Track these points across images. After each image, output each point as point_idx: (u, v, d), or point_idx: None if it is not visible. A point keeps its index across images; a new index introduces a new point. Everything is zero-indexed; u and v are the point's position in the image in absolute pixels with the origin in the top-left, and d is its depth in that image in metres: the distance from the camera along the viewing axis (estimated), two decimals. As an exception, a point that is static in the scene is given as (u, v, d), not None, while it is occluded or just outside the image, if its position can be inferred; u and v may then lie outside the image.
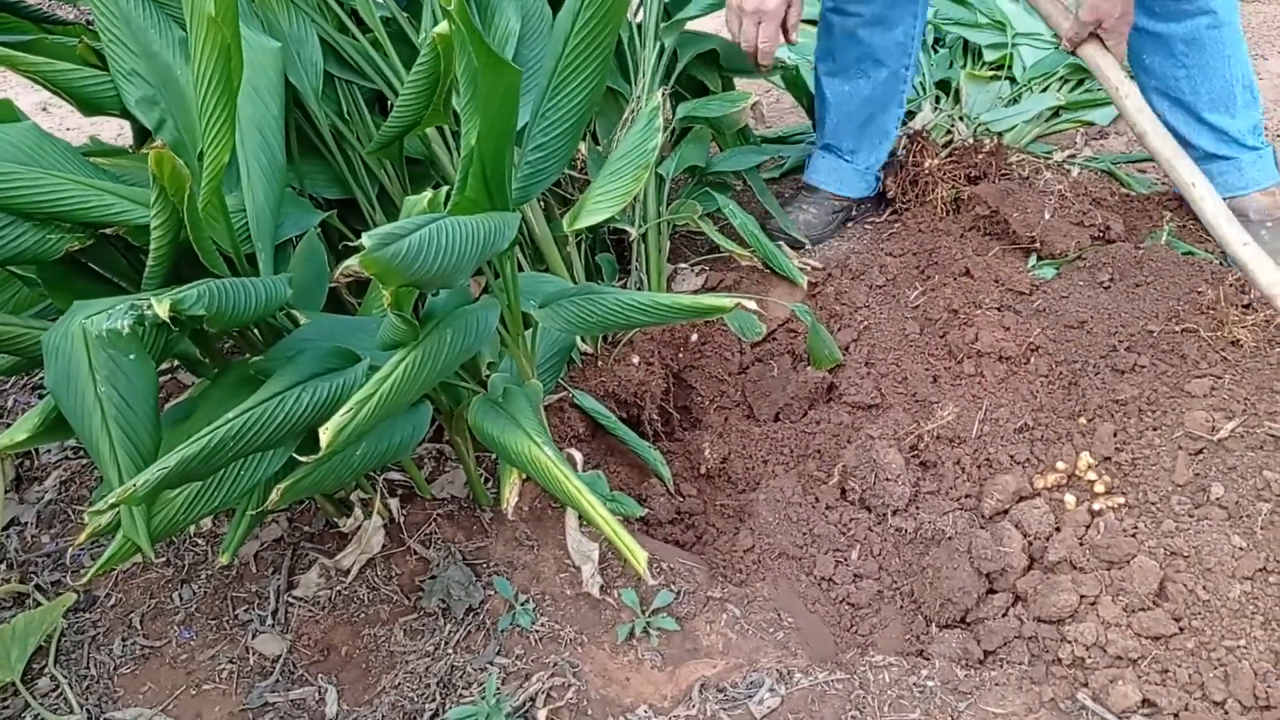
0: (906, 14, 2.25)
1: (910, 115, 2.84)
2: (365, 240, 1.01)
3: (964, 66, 3.03)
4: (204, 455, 1.10)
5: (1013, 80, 2.97)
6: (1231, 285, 1.95)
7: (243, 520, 1.42)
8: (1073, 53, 1.97)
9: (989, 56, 3.02)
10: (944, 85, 2.97)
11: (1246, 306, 1.92)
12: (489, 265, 1.49)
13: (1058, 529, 1.69)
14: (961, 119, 2.73)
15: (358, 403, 1.18)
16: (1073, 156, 2.56)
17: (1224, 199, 2.09)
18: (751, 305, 1.40)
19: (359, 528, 1.78)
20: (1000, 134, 2.67)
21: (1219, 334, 1.86)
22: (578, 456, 1.77)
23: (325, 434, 1.10)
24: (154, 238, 1.20)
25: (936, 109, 2.84)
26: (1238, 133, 2.12)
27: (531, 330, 1.69)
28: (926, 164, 2.38)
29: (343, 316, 1.51)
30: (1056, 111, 2.80)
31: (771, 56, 2.08)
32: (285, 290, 1.30)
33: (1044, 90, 2.89)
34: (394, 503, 1.83)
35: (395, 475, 1.88)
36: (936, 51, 3.18)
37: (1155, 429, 1.78)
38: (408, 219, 1.09)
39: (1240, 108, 2.11)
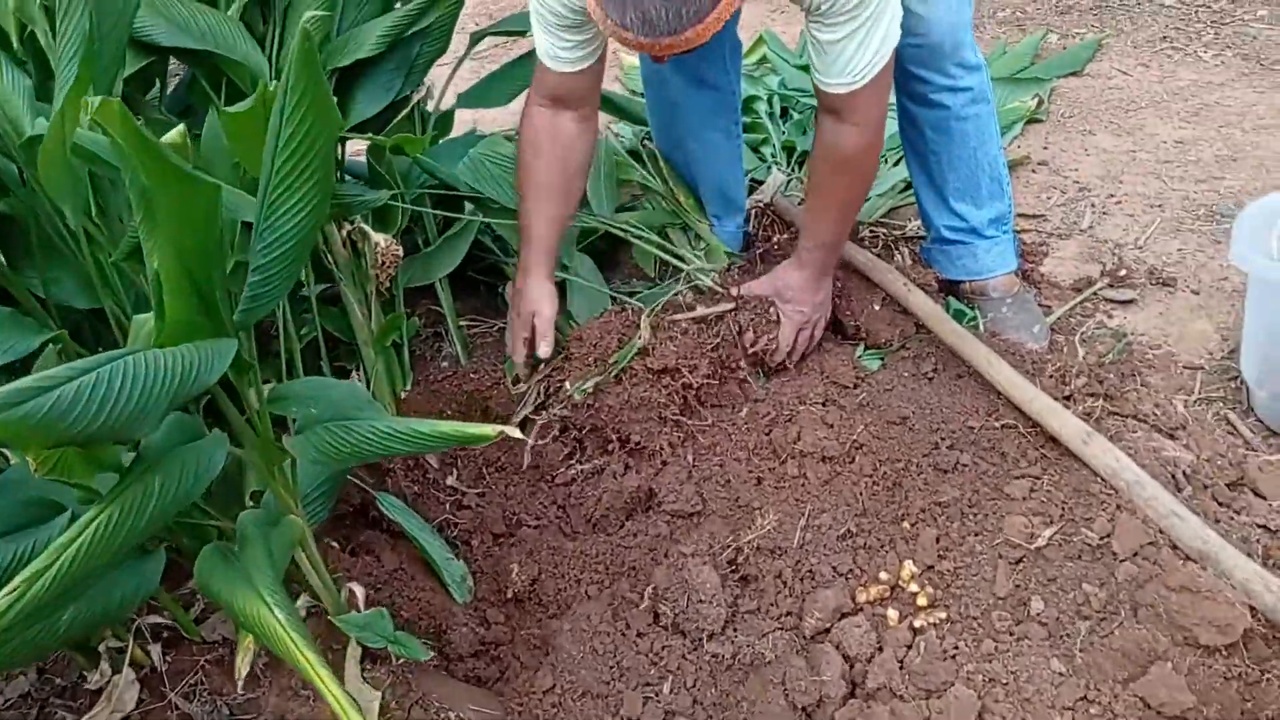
0: (718, 68, 2.21)
1: (758, 182, 2.77)
2: (-17, 407, 0.84)
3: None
4: None
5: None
6: (1052, 376, 1.89)
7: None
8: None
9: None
10: (791, 151, 2.91)
11: (1067, 398, 1.87)
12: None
13: (879, 649, 1.58)
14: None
15: (25, 580, 1.00)
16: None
17: (963, 281, 2.20)
18: (516, 434, 1.27)
19: (108, 683, 1.57)
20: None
21: (1037, 429, 1.80)
22: (359, 592, 1.60)
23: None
24: None
25: (789, 174, 2.77)
26: (979, 222, 2.17)
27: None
28: (775, 239, 2.31)
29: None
30: (909, 184, 2.75)
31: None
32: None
33: (897, 163, 2.85)
34: (155, 649, 1.62)
35: (158, 618, 1.67)
36: (786, 121, 3.13)
37: (976, 534, 1.69)
38: (52, 370, 0.92)
39: (985, 199, 2.16)
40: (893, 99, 2.77)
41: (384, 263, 1.94)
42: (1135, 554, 1.52)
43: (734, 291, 2.03)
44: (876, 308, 2.12)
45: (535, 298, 1.98)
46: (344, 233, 1.98)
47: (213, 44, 1.82)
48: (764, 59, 3.53)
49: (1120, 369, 2.02)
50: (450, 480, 2.06)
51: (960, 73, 2.03)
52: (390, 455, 1.44)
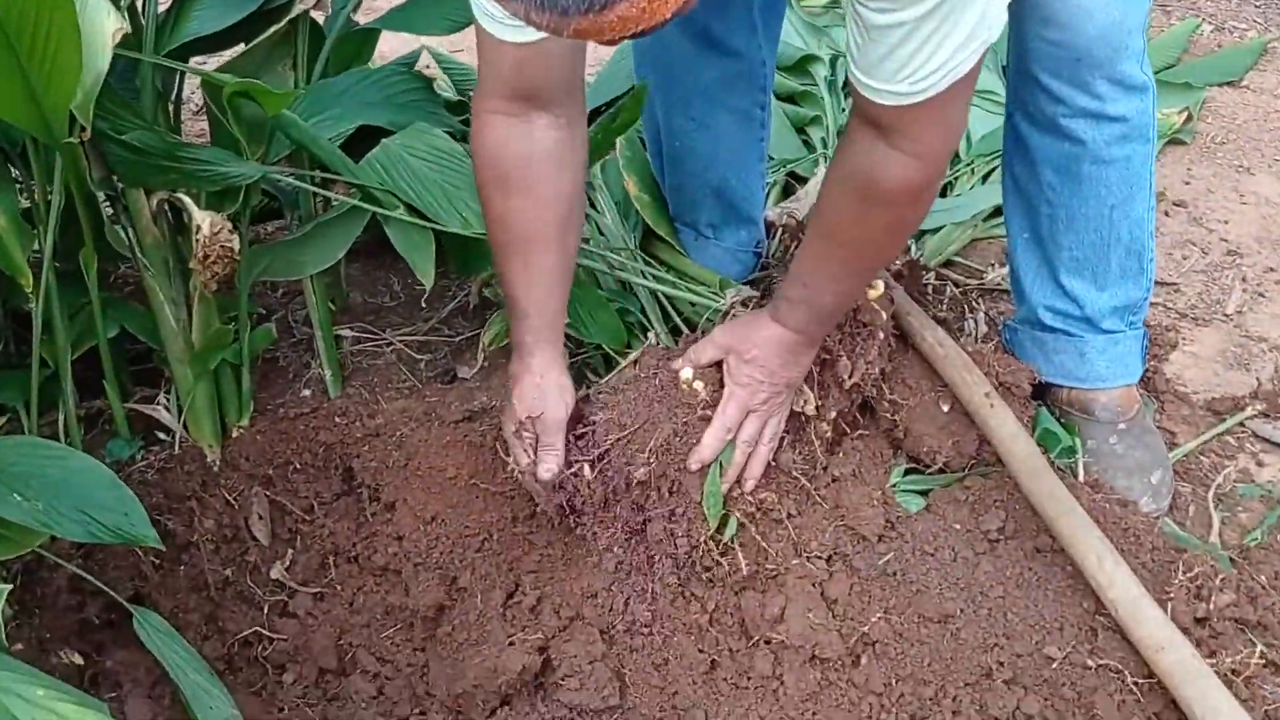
0: (738, 26, 1.50)
1: (798, 180, 2.08)
2: None
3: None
4: None
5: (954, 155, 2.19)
6: (1184, 586, 1.23)
7: None
8: None
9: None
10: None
11: (1201, 622, 1.21)
12: None
13: None
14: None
15: None
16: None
17: (1060, 386, 1.52)
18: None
19: None
20: (920, 236, 1.91)
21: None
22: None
23: None
24: None
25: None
26: (1096, 310, 1.48)
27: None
28: None
29: None
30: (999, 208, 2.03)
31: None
32: None
33: (989, 174, 2.12)
34: None
35: None
36: (849, 96, 2.39)
37: None
38: None
39: (1114, 278, 1.47)
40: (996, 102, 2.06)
41: (207, 257, 1.28)
42: None
43: (674, 366, 1.33)
44: (945, 409, 1.44)
45: (534, 396, 1.29)
46: (154, 202, 1.32)
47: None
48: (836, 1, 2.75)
49: (1273, 564, 1.36)
50: (278, 570, 1.43)
51: (1115, 94, 1.32)
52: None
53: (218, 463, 1.46)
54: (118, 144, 1.23)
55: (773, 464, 1.33)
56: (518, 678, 1.22)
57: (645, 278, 1.57)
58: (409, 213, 1.42)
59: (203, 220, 1.27)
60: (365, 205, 1.41)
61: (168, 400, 1.45)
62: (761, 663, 1.24)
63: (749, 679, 1.25)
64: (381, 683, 1.31)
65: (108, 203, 1.36)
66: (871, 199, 1.14)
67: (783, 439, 1.34)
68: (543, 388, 1.29)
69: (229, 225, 1.29)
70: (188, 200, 1.29)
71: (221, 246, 1.28)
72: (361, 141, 1.48)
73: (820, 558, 1.31)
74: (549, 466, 1.27)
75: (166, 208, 1.33)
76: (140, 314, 1.42)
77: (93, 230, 1.28)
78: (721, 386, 1.31)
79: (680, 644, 1.27)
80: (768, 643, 1.25)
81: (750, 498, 1.31)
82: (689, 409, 1.30)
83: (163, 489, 1.41)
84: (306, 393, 1.58)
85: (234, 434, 1.48)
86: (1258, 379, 1.69)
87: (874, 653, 1.24)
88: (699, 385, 1.31)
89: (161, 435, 1.46)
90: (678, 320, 1.53)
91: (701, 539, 1.27)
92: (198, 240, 1.27)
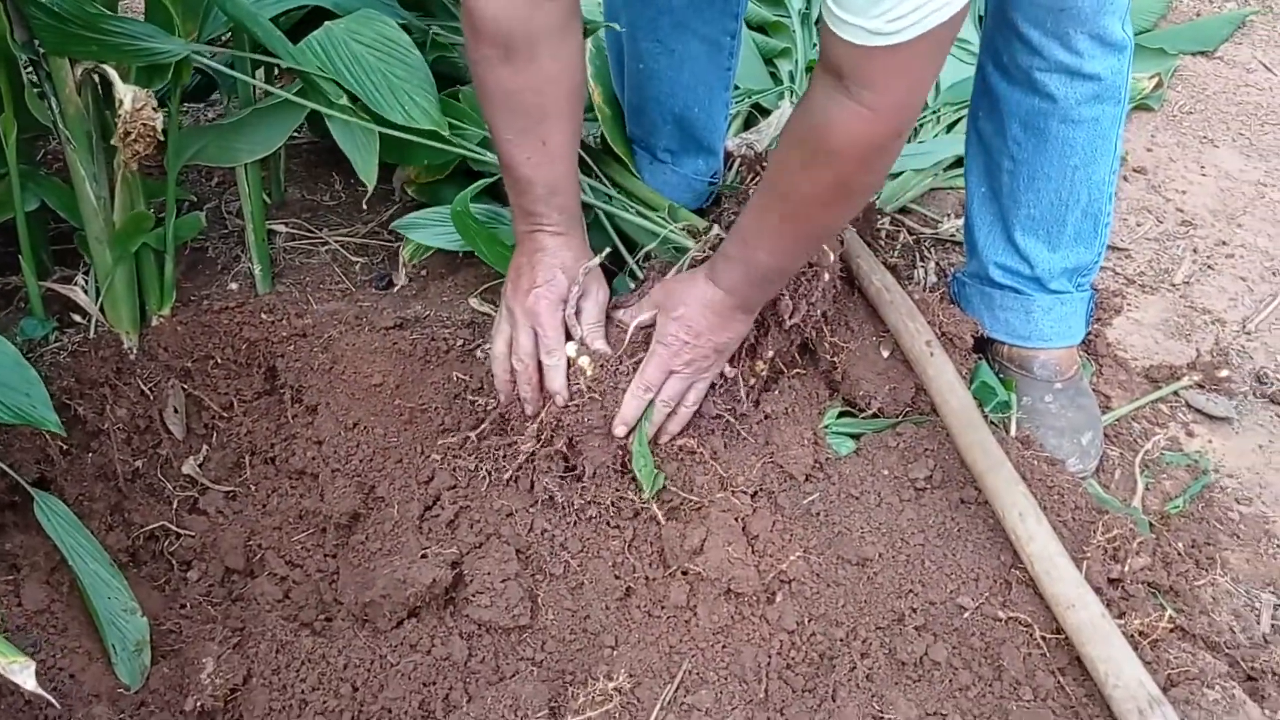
0: None
1: (762, 112, 2.04)
2: None
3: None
4: None
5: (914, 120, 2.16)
6: (1102, 548, 1.23)
7: None
8: None
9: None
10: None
11: (1113, 582, 1.22)
12: None
13: None
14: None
15: None
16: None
17: (1002, 342, 1.51)
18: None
19: None
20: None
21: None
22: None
23: None
24: None
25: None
26: (1046, 270, 1.46)
27: None
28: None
29: None
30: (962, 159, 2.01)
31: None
32: None
33: (954, 124, 2.09)
34: None
35: None
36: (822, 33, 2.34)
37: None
38: None
39: (1068, 240, 1.45)
40: (970, 52, 2.02)
41: (129, 134, 1.22)
42: None
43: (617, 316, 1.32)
44: (885, 354, 1.43)
45: (559, 273, 1.26)
46: (79, 71, 1.25)
47: None
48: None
49: (1191, 532, 1.37)
50: (190, 465, 1.39)
51: (1093, 50, 1.29)
52: None
53: (134, 350, 1.41)
54: (38, 6, 1.15)
55: (697, 413, 1.32)
56: (427, 590, 1.19)
57: (592, 196, 1.52)
58: (350, 102, 1.36)
59: (125, 95, 1.20)
60: (299, 100, 1.35)
61: (86, 282, 1.39)
62: (676, 593, 1.23)
63: (662, 608, 1.23)
64: (289, 586, 1.28)
65: (32, 69, 1.29)
66: (820, 153, 1.06)
67: (713, 386, 1.32)
68: (581, 263, 1.28)
69: (153, 102, 1.21)
70: (112, 73, 1.21)
71: (144, 124, 1.21)
72: (310, 29, 1.42)
73: (746, 493, 1.30)
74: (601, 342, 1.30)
75: (95, 78, 1.26)
76: (62, 190, 1.35)
77: (12, 96, 1.21)
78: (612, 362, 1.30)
79: (596, 569, 1.26)
80: (684, 574, 1.24)
81: (670, 444, 1.30)
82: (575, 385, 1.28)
83: (75, 373, 1.36)
84: (234, 286, 1.52)
85: (154, 322, 1.43)
86: (1197, 350, 1.69)
87: (789, 591, 1.23)
88: (584, 362, 1.28)
89: (78, 318, 1.40)
90: (618, 243, 1.49)
91: (608, 501, 1.26)
92: (119, 116, 1.20)
